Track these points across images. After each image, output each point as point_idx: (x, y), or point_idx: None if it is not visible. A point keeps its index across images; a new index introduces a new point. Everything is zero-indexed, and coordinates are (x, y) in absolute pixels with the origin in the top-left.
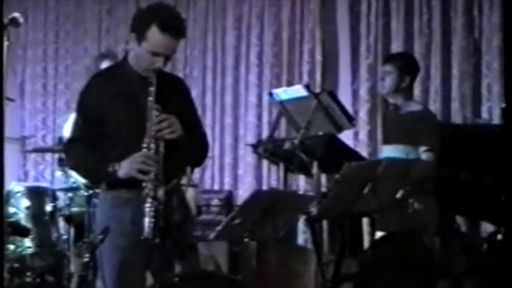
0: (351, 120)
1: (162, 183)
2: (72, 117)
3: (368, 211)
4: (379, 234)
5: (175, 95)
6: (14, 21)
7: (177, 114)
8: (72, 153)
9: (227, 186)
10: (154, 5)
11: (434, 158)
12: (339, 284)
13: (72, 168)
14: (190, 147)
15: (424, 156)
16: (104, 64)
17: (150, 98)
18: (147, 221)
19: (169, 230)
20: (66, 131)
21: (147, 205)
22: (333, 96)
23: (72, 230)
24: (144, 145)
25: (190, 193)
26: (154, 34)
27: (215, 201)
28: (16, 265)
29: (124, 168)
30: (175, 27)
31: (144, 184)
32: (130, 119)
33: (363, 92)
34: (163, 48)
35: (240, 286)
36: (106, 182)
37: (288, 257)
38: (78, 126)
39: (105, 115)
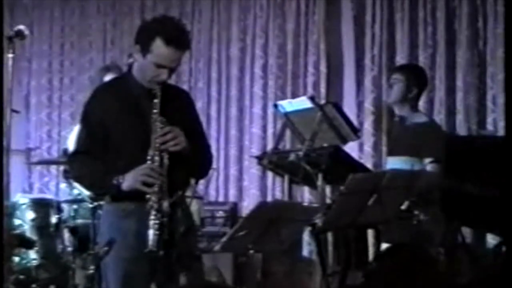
0: (356, 131)
1: (166, 195)
2: (76, 129)
3: (373, 222)
4: (383, 245)
5: (179, 108)
6: (19, 34)
7: (181, 126)
8: (76, 165)
9: (231, 198)
10: (159, 18)
11: (440, 170)
12: None
13: (76, 180)
14: (194, 159)
15: (429, 167)
16: (108, 77)
17: (155, 110)
18: (151, 233)
19: (173, 242)
20: (70, 143)
21: (152, 217)
22: (338, 107)
23: (77, 242)
24: (148, 157)
25: (194, 205)
26: (159, 47)
27: (220, 213)
28: (21, 277)
29: (128, 181)
30: (179, 40)
31: (148, 196)
32: (135, 131)
33: (368, 103)
34: (168, 60)
35: None
36: (110, 194)
37: (293, 269)
38: (82, 138)
39: (109, 127)
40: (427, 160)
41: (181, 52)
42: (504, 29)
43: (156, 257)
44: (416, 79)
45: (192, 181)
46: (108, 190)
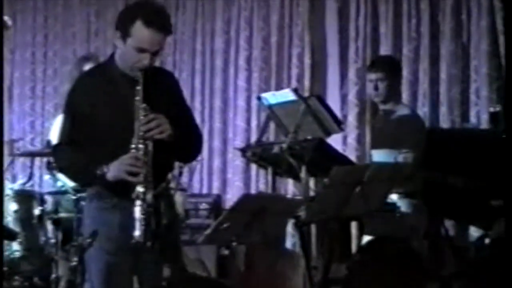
0: (339, 124)
1: (151, 184)
2: (58, 120)
3: (356, 215)
4: (366, 238)
5: (164, 91)
6: (2, 24)
7: (166, 110)
8: (60, 156)
9: (215, 190)
10: (138, 1)
11: (413, 160)
12: None
13: (61, 172)
14: (181, 144)
15: (401, 157)
16: (87, 66)
17: (137, 98)
18: (137, 224)
19: (157, 234)
20: (53, 134)
21: (137, 208)
22: (322, 100)
23: (60, 234)
24: (133, 145)
25: (178, 197)
26: (139, 29)
27: (204, 205)
28: (4, 269)
29: (113, 171)
30: (160, 22)
31: (133, 186)
32: (118, 120)
33: (352, 96)
34: (149, 43)
35: None
36: (95, 185)
37: (276, 261)
38: (66, 129)
39: (92, 116)
40: (402, 150)
41: (162, 35)
42: (504, 26)
43: (142, 249)
44: (396, 71)
45: (176, 172)
46: (92, 181)
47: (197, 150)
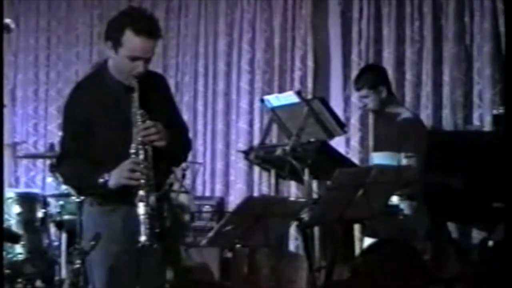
0: (342, 126)
1: (153, 188)
2: None
3: (359, 217)
4: (368, 240)
5: (155, 94)
6: (5, 27)
7: (159, 112)
8: (63, 169)
9: (218, 193)
10: (125, 10)
11: (416, 164)
12: None
13: (65, 183)
14: (175, 148)
15: (404, 161)
16: None
17: (134, 104)
18: (143, 228)
19: (161, 236)
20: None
21: (141, 211)
22: (325, 102)
23: (63, 237)
24: (132, 150)
25: (183, 198)
26: (130, 39)
27: (207, 208)
28: (7, 271)
29: (114, 178)
30: (149, 29)
31: (135, 190)
32: (116, 128)
33: (355, 98)
34: (141, 51)
35: None
36: (98, 194)
37: (279, 264)
38: (66, 141)
39: (91, 126)
40: (404, 154)
41: (152, 41)
42: (505, 26)
43: (149, 251)
44: (377, 80)
45: (179, 174)
46: (96, 189)
47: (187, 152)
